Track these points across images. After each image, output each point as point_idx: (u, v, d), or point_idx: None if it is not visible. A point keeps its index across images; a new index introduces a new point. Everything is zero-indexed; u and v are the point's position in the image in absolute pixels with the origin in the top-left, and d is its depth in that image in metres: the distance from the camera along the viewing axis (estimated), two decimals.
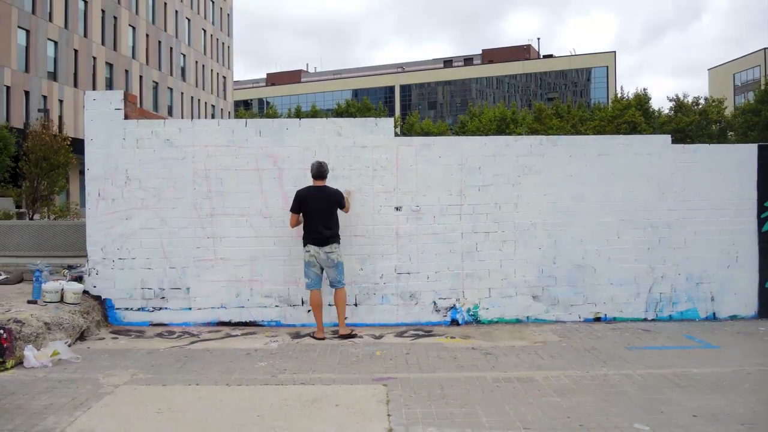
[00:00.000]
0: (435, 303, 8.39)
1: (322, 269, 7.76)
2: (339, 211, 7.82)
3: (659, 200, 8.59)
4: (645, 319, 8.54)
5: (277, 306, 8.28)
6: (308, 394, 5.51)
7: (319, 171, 7.74)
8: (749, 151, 8.78)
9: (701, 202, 8.62)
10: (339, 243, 7.75)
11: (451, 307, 8.40)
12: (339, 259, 7.74)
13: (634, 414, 5.00)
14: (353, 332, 7.78)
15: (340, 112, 60.65)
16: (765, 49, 74.44)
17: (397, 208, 8.37)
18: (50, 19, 37.09)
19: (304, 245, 7.71)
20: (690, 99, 51.24)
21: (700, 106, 50.02)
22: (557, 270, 8.50)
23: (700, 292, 8.64)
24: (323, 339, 7.58)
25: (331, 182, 8.24)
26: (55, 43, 37.60)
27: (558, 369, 6.30)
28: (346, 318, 7.89)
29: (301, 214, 7.73)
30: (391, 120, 8.67)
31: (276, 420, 4.89)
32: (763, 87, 49.72)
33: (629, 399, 5.38)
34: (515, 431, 4.68)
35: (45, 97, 36.50)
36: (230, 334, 7.84)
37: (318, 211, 7.63)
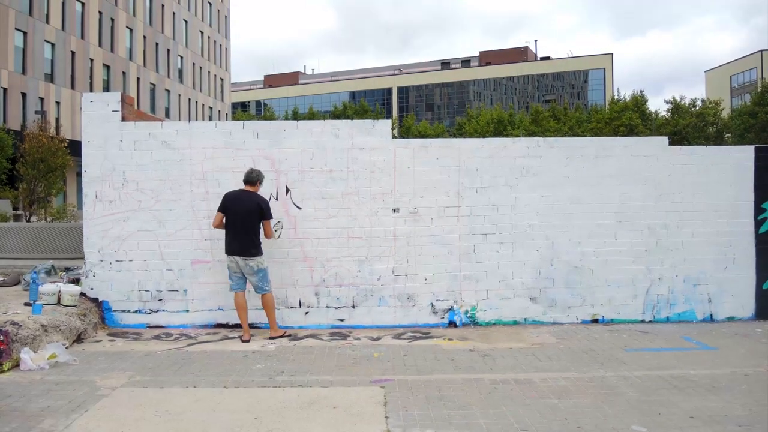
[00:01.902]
0: (432, 305, 8.39)
1: (243, 274, 7.70)
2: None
3: (656, 202, 8.60)
4: (642, 321, 8.55)
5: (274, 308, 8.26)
6: (306, 396, 5.51)
7: (249, 176, 7.70)
8: (746, 153, 8.80)
9: (698, 204, 8.64)
10: (258, 255, 7.63)
11: (449, 309, 8.40)
12: (260, 266, 7.65)
13: (631, 415, 5.01)
14: (285, 333, 7.81)
15: (337, 114, 60.72)
16: (762, 51, 74.64)
17: (394, 210, 8.37)
18: (47, 21, 37.07)
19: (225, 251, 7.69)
20: (687, 101, 51.33)
21: (697, 108, 50.08)
22: (555, 272, 8.51)
23: (697, 294, 8.65)
24: (248, 341, 7.54)
25: (329, 184, 8.27)
26: (53, 44, 37.58)
27: (555, 371, 6.30)
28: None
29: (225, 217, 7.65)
30: (389, 122, 8.68)
31: (273, 422, 4.89)
32: (759, 89, 49.82)
33: (627, 400, 5.38)
34: None
35: (42, 99, 36.46)
36: (228, 336, 7.83)
37: (238, 216, 7.55)
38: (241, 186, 7.75)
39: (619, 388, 5.74)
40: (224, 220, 7.65)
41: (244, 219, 7.55)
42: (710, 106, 49.94)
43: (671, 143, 8.97)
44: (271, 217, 7.71)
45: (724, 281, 8.66)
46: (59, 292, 7.78)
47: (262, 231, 7.69)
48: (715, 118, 49.41)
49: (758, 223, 8.71)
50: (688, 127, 46.87)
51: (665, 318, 8.61)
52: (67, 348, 6.88)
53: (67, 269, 9.25)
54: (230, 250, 7.61)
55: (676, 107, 50.37)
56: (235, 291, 7.75)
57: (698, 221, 8.63)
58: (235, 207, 7.57)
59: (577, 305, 8.53)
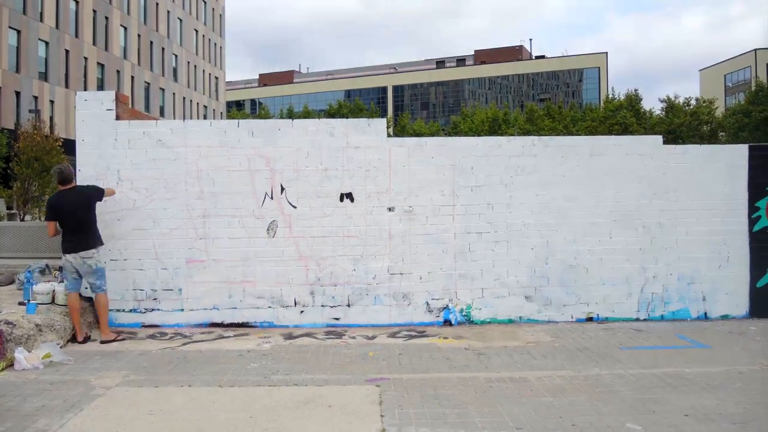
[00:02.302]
0: (428, 303, 8.40)
1: (80, 274, 7.55)
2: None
3: (651, 201, 8.62)
4: (637, 319, 8.57)
5: (269, 307, 8.26)
6: (301, 395, 5.51)
7: (60, 177, 7.54)
8: (740, 152, 8.83)
9: (693, 203, 8.66)
10: (95, 248, 7.52)
11: (444, 308, 8.41)
12: (98, 265, 7.54)
13: (626, 413, 5.02)
14: (117, 337, 7.59)
15: (332, 113, 60.65)
16: (755, 50, 74.83)
17: (389, 209, 8.37)
18: (41, 20, 36.96)
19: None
20: (681, 100, 51.46)
21: (691, 107, 50.21)
22: (549, 270, 8.52)
23: (691, 292, 8.68)
24: (84, 342, 7.41)
25: (324, 183, 8.26)
26: (47, 43, 37.46)
27: (550, 369, 6.32)
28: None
29: (57, 222, 7.51)
30: (384, 120, 8.68)
31: (268, 421, 4.89)
32: (753, 88, 49.98)
33: (621, 399, 5.40)
34: (508, 431, 4.69)
35: (36, 98, 36.36)
36: (223, 336, 7.82)
37: (68, 216, 7.44)
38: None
39: (614, 386, 5.76)
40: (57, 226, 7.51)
41: (75, 215, 7.42)
42: (704, 105, 50.08)
43: (665, 142, 9.00)
44: (103, 193, 7.67)
45: (718, 279, 8.69)
46: (53, 291, 7.76)
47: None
48: (710, 117, 49.55)
49: (752, 222, 8.74)
50: (682, 125, 47.00)
51: (660, 316, 8.63)
52: (61, 347, 6.86)
53: (61, 268, 9.20)
54: (69, 249, 7.44)
55: (671, 106, 50.49)
56: (68, 292, 7.57)
57: (692, 220, 8.66)
58: (64, 208, 7.42)
59: (572, 304, 8.55)
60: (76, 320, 7.52)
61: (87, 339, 7.49)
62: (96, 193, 7.63)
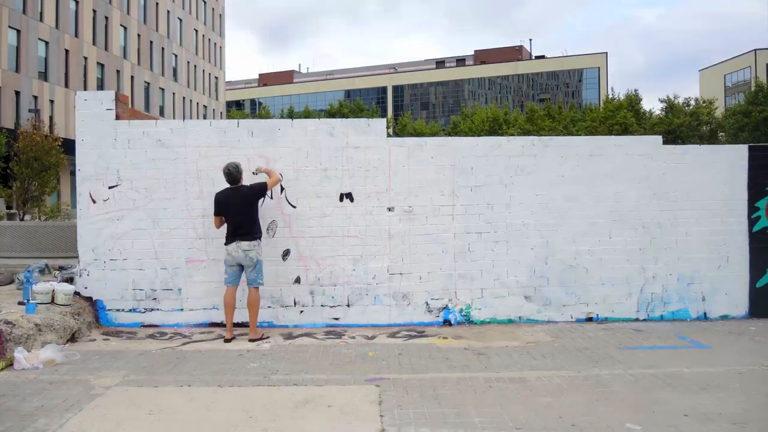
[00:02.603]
0: (427, 303, 8.40)
1: (241, 268, 7.66)
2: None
3: (651, 201, 8.63)
4: (637, 319, 8.58)
5: (269, 307, 8.26)
6: (300, 394, 5.51)
7: (230, 177, 7.64)
8: (740, 152, 8.83)
9: (692, 203, 8.66)
10: (258, 240, 7.64)
11: (444, 308, 8.41)
12: (258, 257, 7.62)
13: (625, 414, 5.02)
14: (263, 335, 7.71)
15: (332, 113, 60.63)
16: (755, 50, 74.84)
17: (389, 209, 8.37)
18: (41, 19, 36.94)
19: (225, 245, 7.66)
20: (681, 100, 51.45)
21: (691, 107, 50.19)
22: (549, 270, 8.53)
23: (691, 292, 8.68)
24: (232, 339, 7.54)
25: (324, 183, 8.27)
26: (46, 43, 37.44)
27: (550, 369, 6.32)
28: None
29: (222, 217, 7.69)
30: (384, 120, 8.68)
31: (268, 421, 4.89)
32: (753, 88, 49.99)
33: (621, 399, 5.40)
34: (507, 431, 4.68)
35: (36, 98, 36.34)
36: (222, 336, 7.81)
37: (234, 212, 7.59)
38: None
39: (614, 386, 5.76)
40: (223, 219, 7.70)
41: (242, 212, 7.58)
42: (704, 105, 50.07)
43: (665, 142, 9.00)
44: (267, 186, 7.79)
45: (717, 280, 8.69)
46: (53, 291, 7.76)
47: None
48: (709, 117, 49.54)
49: (752, 222, 8.74)
50: (682, 126, 46.98)
51: (659, 316, 8.63)
52: (61, 347, 6.85)
53: (61, 268, 9.22)
54: (237, 239, 7.57)
55: (671, 106, 50.47)
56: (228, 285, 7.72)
57: (692, 220, 8.66)
58: (229, 204, 7.60)
59: (572, 304, 8.55)
60: (230, 318, 7.63)
61: (232, 339, 7.57)
62: (261, 190, 7.80)
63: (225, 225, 7.70)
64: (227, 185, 7.69)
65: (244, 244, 7.49)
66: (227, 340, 7.51)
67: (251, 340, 7.51)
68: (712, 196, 8.70)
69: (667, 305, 8.65)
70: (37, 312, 7.20)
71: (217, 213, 7.72)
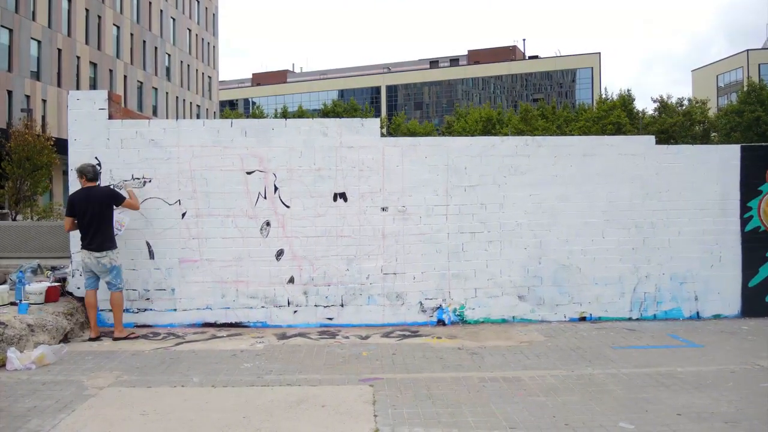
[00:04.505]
0: (421, 303, 8.40)
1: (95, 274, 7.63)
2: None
3: (644, 200, 8.65)
4: (630, 319, 8.60)
5: (263, 307, 8.25)
6: (294, 395, 5.50)
7: (89, 173, 7.63)
8: (732, 152, 8.86)
9: (685, 203, 8.69)
10: (112, 249, 7.58)
11: (438, 308, 8.41)
12: (113, 263, 7.58)
13: (619, 413, 5.04)
14: (130, 334, 7.72)
15: (326, 113, 60.65)
16: (747, 50, 75.22)
17: (383, 209, 8.37)
18: (34, 18, 36.76)
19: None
20: (674, 100, 51.65)
21: (684, 107, 50.40)
22: (543, 270, 8.54)
23: (684, 292, 8.71)
24: (98, 339, 7.53)
25: (317, 183, 8.25)
26: (39, 42, 37.25)
27: (544, 368, 6.33)
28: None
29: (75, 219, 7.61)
30: (377, 120, 8.68)
31: (262, 421, 4.88)
32: (745, 88, 50.24)
33: (614, 398, 5.41)
34: (501, 431, 4.69)
35: (28, 97, 36.15)
36: (216, 336, 7.81)
37: (87, 216, 7.51)
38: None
39: (607, 385, 5.77)
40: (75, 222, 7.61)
41: (94, 216, 7.48)
42: (697, 105, 50.29)
43: (658, 142, 9.02)
44: (121, 199, 7.68)
45: (710, 279, 8.72)
46: (46, 291, 7.72)
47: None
48: (702, 117, 49.76)
49: (744, 222, 8.77)
50: (675, 126, 47.16)
51: (652, 316, 8.66)
52: (53, 348, 6.82)
53: (53, 268, 9.17)
54: (88, 248, 7.52)
55: (664, 106, 50.68)
56: (87, 289, 7.69)
57: (685, 219, 8.69)
58: (83, 206, 7.49)
59: (565, 303, 8.56)
60: (93, 317, 7.64)
61: (98, 338, 7.56)
62: (115, 197, 7.67)
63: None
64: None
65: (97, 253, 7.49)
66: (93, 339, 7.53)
67: (115, 339, 7.54)
68: (705, 195, 8.73)
69: (660, 305, 8.68)
70: (30, 312, 7.17)
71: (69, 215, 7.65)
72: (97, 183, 7.76)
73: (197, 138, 8.27)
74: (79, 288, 8.15)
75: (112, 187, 7.94)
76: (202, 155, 8.24)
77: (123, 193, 7.85)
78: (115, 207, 7.65)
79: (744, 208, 8.77)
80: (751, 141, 41.94)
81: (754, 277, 8.77)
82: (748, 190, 8.77)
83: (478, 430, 4.70)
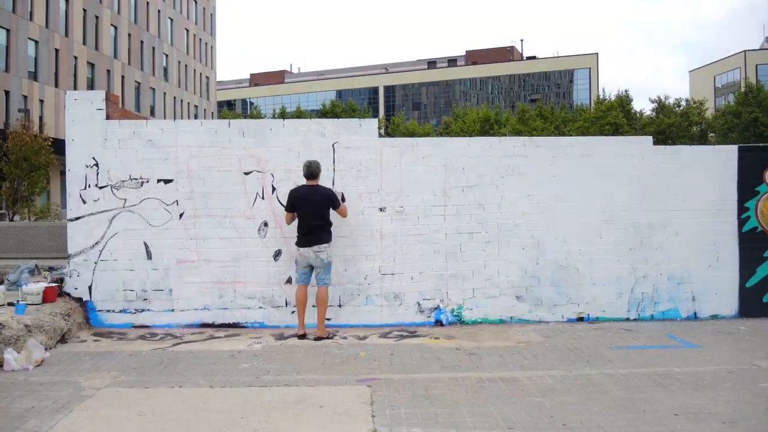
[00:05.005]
0: (419, 304, 8.40)
1: (311, 267, 7.74)
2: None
3: (641, 201, 8.66)
4: (627, 319, 8.61)
5: (260, 307, 8.24)
6: (292, 395, 5.50)
7: (308, 170, 7.75)
8: (730, 153, 8.88)
9: (682, 203, 8.70)
10: (329, 244, 7.73)
11: (435, 308, 8.41)
12: (329, 259, 7.72)
13: (616, 413, 5.04)
14: (330, 334, 7.78)
15: (325, 113, 60.67)
16: (745, 51, 75.33)
17: (381, 209, 8.37)
18: (31, 18, 36.72)
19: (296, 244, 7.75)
20: (671, 101, 51.74)
21: (682, 108, 50.50)
22: (540, 270, 8.54)
23: (681, 292, 8.72)
24: (304, 336, 7.62)
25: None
26: (36, 42, 37.21)
27: (541, 369, 6.33)
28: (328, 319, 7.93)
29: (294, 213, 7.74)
30: (375, 121, 8.68)
31: (260, 422, 4.88)
32: (743, 89, 50.34)
33: (612, 398, 5.42)
34: (499, 431, 4.69)
35: (25, 97, 36.12)
36: (213, 336, 7.80)
37: (308, 211, 7.63)
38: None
39: (605, 385, 5.78)
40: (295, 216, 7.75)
41: (315, 212, 7.62)
42: (694, 105, 50.39)
43: (656, 143, 9.04)
44: (339, 206, 7.80)
45: (707, 279, 8.73)
46: (43, 291, 7.71)
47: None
48: (699, 118, 49.88)
49: (741, 222, 8.79)
50: (672, 126, 47.28)
51: (650, 316, 8.67)
52: (51, 348, 6.82)
53: (50, 269, 9.17)
54: (303, 242, 7.66)
55: (661, 107, 50.77)
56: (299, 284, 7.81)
57: (682, 220, 8.69)
58: (303, 203, 7.63)
59: (563, 304, 8.57)
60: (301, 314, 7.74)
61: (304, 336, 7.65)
62: (335, 200, 7.77)
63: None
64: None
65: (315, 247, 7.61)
66: (300, 337, 7.62)
67: (317, 338, 7.61)
68: (702, 196, 8.74)
69: (657, 305, 8.69)
70: (27, 313, 7.16)
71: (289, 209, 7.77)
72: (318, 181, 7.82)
73: (195, 138, 8.26)
74: (76, 288, 8.14)
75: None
76: (200, 155, 8.23)
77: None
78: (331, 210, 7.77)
79: (741, 209, 8.78)
80: (748, 142, 42.01)
81: (752, 278, 8.78)
82: (746, 191, 8.78)
83: (476, 430, 4.70)
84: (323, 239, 7.66)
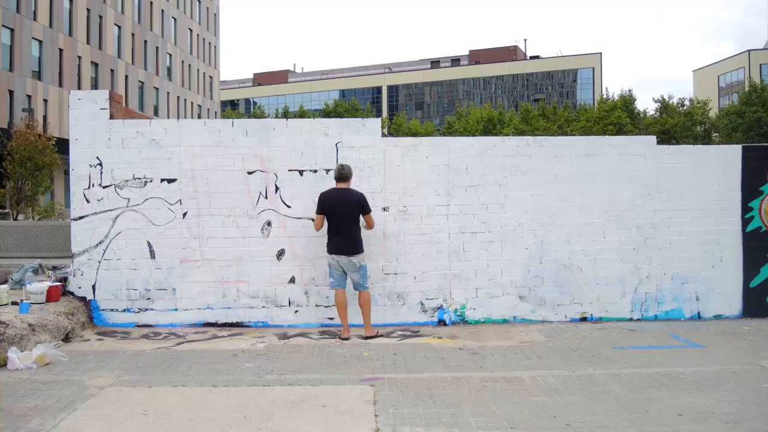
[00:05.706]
0: (422, 303, 8.40)
1: (344, 271, 7.74)
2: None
3: (645, 201, 8.64)
4: (631, 319, 8.59)
5: (264, 307, 8.25)
6: (295, 394, 5.50)
7: (339, 173, 7.74)
8: (733, 152, 8.86)
9: (686, 203, 8.68)
10: (362, 250, 7.70)
11: (438, 308, 8.41)
12: (362, 263, 7.72)
13: (620, 413, 5.03)
14: (376, 333, 7.81)
15: (328, 113, 60.70)
16: (749, 51, 75.18)
17: (384, 209, 8.36)
18: (35, 18, 36.79)
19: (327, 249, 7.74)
20: (675, 100, 51.65)
21: (685, 108, 50.40)
22: (544, 270, 8.53)
23: (685, 292, 8.70)
24: (349, 339, 7.62)
25: (318, 183, 8.25)
26: (40, 42, 37.28)
27: (545, 369, 6.32)
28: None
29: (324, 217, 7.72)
30: (378, 120, 8.67)
31: (262, 421, 4.88)
32: (747, 89, 50.24)
33: (615, 398, 5.41)
34: (502, 431, 4.69)
35: (30, 97, 36.19)
36: (217, 335, 7.81)
37: (341, 215, 7.61)
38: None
39: (608, 385, 5.77)
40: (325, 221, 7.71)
41: (345, 216, 7.59)
42: (698, 105, 50.29)
43: (659, 142, 9.02)
44: (368, 211, 7.75)
45: (711, 279, 8.71)
46: (47, 291, 7.73)
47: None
48: (703, 118, 49.78)
49: (745, 222, 8.77)
50: (676, 126, 47.19)
51: (653, 316, 8.65)
52: (55, 347, 6.83)
53: (54, 268, 9.17)
54: (333, 249, 7.65)
55: (665, 106, 50.68)
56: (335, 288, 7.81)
57: (686, 220, 8.68)
58: (335, 206, 7.60)
59: (566, 303, 8.56)
60: (344, 317, 7.73)
61: (350, 338, 7.64)
62: (364, 204, 7.72)
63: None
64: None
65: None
66: (344, 339, 7.61)
67: (365, 337, 7.63)
68: (706, 196, 8.72)
69: (661, 305, 8.68)
70: (31, 312, 7.18)
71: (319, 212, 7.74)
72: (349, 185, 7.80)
73: (198, 138, 8.27)
74: (80, 288, 8.16)
75: None
76: (204, 155, 8.24)
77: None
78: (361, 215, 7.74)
79: (745, 209, 8.76)
80: (752, 141, 41.93)
81: (756, 278, 8.76)
82: (750, 191, 8.76)
83: (479, 430, 4.70)
84: (358, 249, 7.65)
